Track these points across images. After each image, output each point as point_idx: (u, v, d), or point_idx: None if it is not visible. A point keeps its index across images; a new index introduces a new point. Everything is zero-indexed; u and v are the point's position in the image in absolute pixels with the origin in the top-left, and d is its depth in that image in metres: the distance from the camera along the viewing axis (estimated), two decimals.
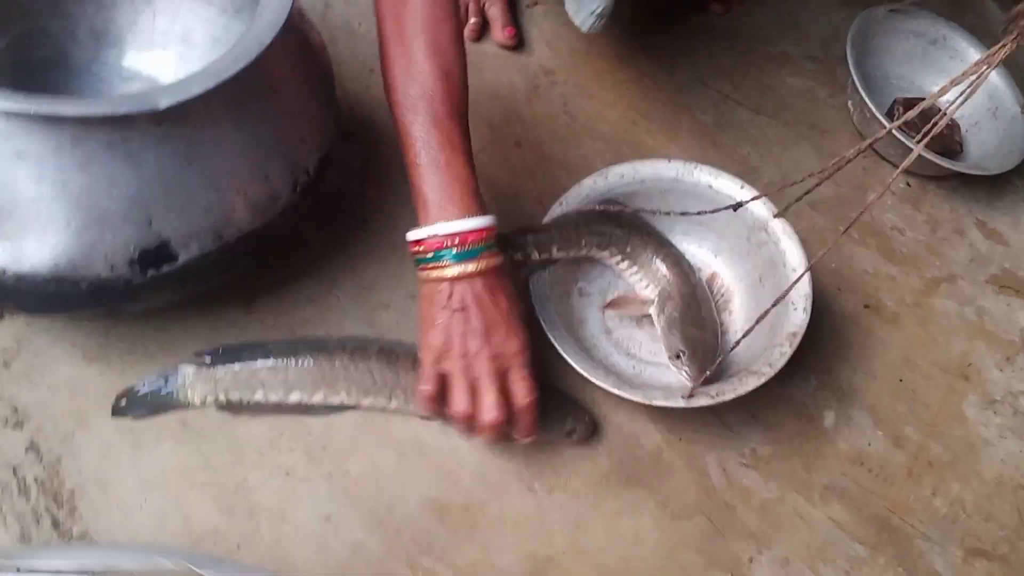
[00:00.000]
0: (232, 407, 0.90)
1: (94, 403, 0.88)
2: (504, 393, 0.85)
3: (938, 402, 1.17)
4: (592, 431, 1.00)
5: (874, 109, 1.29)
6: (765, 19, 1.46)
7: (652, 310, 1.06)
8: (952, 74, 0.90)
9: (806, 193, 0.97)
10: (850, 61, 1.32)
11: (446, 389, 0.86)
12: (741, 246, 1.12)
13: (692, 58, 1.37)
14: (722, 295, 1.12)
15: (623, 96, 1.30)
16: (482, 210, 0.84)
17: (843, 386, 1.15)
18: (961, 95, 0.85)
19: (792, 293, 1.02)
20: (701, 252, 1.15)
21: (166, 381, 0.89)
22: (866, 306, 1.21)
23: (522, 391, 0.85)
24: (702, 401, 0.95)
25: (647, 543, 0.97)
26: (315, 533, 0.88)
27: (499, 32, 1.27)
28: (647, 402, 0.94)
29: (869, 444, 1.11)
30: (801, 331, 1.02)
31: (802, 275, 1.01)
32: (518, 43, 1.28)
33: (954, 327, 1.24)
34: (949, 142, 1.35)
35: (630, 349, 1.08)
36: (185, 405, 0.89)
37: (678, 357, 1.00)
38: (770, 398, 1.09)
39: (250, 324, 0.96)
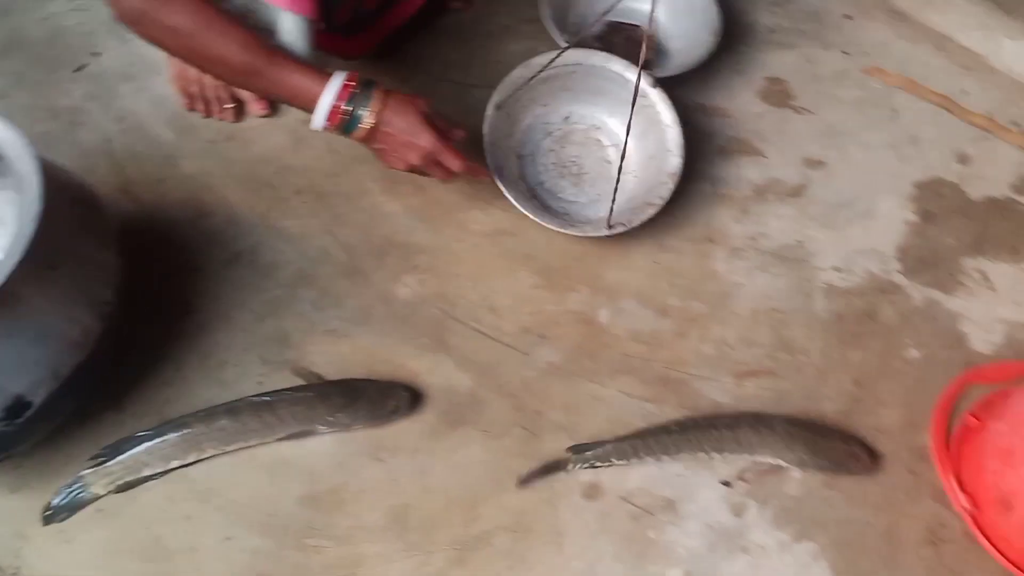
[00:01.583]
0: (129, 487, 1.17)
1: (28, 522, 1.15)
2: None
3: (691, 269, 1.44)
4: (414, 400, 1.27)
5: (559, 40, 1.54)
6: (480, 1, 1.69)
7: None
8: None
9: None
10: (544, 14, 1.57)
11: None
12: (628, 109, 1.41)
13: (423, 62, 1.61)
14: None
15: None
16: (328, 76, 1.16)
17: (609, 285, 1.41)
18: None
19: (670, 142, 1.43)
20: (599, 113, 1.53)
21: (73, 488, 1.15)
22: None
23: (452, 161, 1.24)
24: (619, 229, 1.35)
25: (479, 465, 1.24)
26: (222, 552, 1.15)
27: (254, 106, 1.51)
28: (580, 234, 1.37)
29: (641, 323, 1.38)
30: (679, 172, 1.40)
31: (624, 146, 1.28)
32: (272, 110, 1.52)
33: (694, 202, 1.50)
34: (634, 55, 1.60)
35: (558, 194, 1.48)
36: (95, 498, 1.16)
37: None
38: (549, 316, 1.36)
39: (125, 420, 1.22)
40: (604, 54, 1.47)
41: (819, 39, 1.73)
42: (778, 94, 1.65)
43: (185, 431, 1.18)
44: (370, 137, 1.21)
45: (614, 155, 1.50)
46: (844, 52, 1.71)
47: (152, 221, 1.39)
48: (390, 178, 1.46)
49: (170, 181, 1.44)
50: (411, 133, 1.20)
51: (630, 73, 1.45)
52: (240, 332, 1.31)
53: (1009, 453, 1.19)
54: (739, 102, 1.63)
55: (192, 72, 1.46)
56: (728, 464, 1.27)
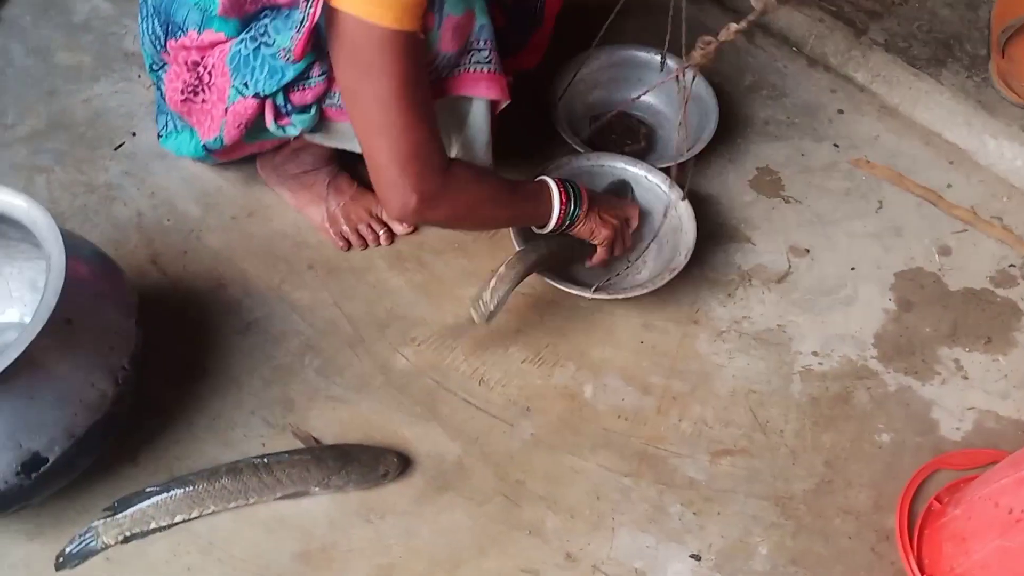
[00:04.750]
0: (137, 538, 1.27)
1: (43, 567, 1.25)
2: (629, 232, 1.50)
3: (675, 348, 1.52)
4: (404, 465, 1.36)
5: (572, 142, 1.64)
6: None
7: None
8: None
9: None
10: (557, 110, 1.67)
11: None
12: (659, 219, 1.56)
13: None
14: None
15: None
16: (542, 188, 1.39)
17: (595, 362, 1.50)
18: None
19: (681, 245, 1.53)
20: None
21: (85, 537, 1.25)
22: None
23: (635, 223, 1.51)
24: (603, 295, 1.48)
25: (462, 530, 1.33)
26: None
27: (399, 227, 1.61)
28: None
29: (623, 399, 1.46)
30: (679, 268, 1.50)
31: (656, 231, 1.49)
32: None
33: (682, 284, 1.57)
34: (634, 142, 1.71)
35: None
36: (104, 548, 1.26)
37: None
38: (535, 389, 1.45)
39: (138, 475, 1.33)
40: (646, 165, 1.62)
41: (811, 132, 1.82)
42: (769, 184, 1.74)
43: (190, 488, 1.28)
44: (587, 220, 1.42)
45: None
46: (835, 144, 1.80)
47: (175, 291, 1.51)
48: (396, 255, 1.57)
49: (193, 253, 1.56)
50: (618, 208, 1.48)
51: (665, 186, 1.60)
52: (248, 396, 1.42)
53: (962, 539, 1.24)
54: (731, 190, 1.72)
55: (339, 214, 1.57)
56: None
